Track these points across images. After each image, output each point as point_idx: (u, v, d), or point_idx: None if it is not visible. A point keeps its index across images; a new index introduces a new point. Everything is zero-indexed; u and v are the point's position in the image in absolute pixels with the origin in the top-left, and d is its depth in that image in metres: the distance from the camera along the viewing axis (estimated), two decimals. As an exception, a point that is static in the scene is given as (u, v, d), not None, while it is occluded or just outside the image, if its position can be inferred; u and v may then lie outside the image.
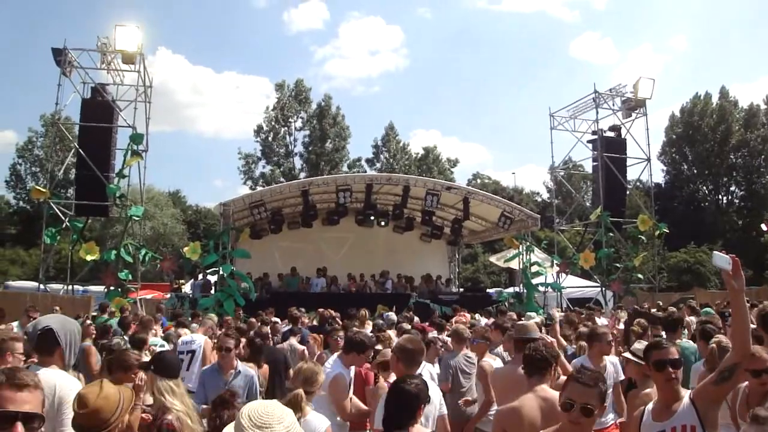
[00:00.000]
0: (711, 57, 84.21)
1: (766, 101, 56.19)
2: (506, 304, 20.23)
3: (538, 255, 22.51)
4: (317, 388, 4.85)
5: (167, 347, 8.89)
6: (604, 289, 22.81)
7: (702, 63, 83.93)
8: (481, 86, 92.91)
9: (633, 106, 25.32)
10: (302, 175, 53.61)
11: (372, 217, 22.45)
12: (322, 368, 5.13)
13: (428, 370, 6.55)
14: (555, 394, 4.23)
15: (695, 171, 57.09)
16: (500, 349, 7.84)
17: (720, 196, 57.70)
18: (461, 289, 24.68)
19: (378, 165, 57.12)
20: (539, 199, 63.30)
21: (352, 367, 6.06)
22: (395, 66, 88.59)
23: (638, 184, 29.10)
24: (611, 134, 25.37)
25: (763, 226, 42.60)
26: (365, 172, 52.36)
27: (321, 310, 14.53)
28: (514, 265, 22.71)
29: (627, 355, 5.69)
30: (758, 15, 78.90)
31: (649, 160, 25.86)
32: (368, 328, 11.76)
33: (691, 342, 7.68)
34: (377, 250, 23.44)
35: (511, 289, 24.04)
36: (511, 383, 4.99)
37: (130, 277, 18.44)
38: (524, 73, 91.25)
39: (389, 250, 23.65)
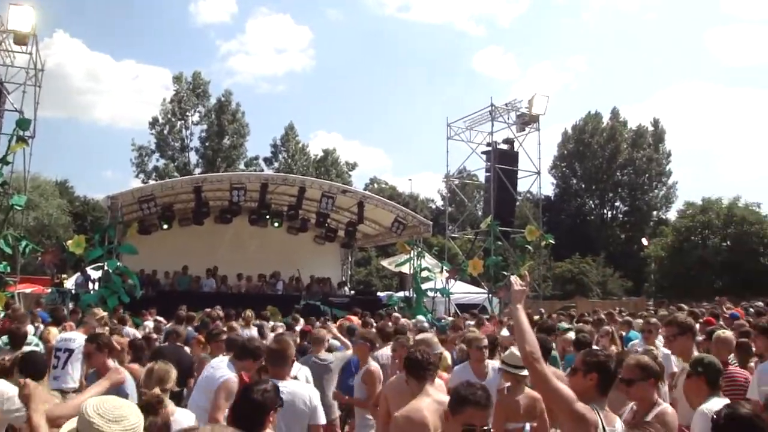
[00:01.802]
0: (606, 78, 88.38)
1: (653, 123, 59.45)
2: (396, 307, 20.57)
3: (428, 261, 22.96)
4: (171, 386, 4.65)
5: (41, 347, 8.51)
6: (490, 295, 23.48)
7: (597, 83, 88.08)
8: (384, 92, 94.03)
9: (527, 120, 26.14)
10: (197, 170, 52.36)
11: (266, 217, 22.28)
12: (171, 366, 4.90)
13: (304, 373, 6.51)
14: (445, 397, 4.28)
15: (583, 186, 59.69)
16: (384, 351, 7.86)
17: (605, 211, 60.59)
18: (353, 292, 24.77)
19: (276, 165, 56.65)
20: (433, 206, 64.66)
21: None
22: (301, 66, 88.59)
23: (528, 195, 30.12)
24: (505, 147, 26.19)
25: (644, 241, 45.01)
26: (262, 171, 51.82)
27: (209, 309, 14.24)
28: (405, 269, 23.07)
29: (502, 366, 5.72)
30: (651, 39, 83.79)
31: (539, 173, 26.85)
32: (253, 330, 11.65)
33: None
34: (270, 251, 23.12)
35: (401, 293, 24.32)
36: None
37: (8, 269, 17.50)
38: (427, 82, 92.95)
39: (282, 251, 23.37)
